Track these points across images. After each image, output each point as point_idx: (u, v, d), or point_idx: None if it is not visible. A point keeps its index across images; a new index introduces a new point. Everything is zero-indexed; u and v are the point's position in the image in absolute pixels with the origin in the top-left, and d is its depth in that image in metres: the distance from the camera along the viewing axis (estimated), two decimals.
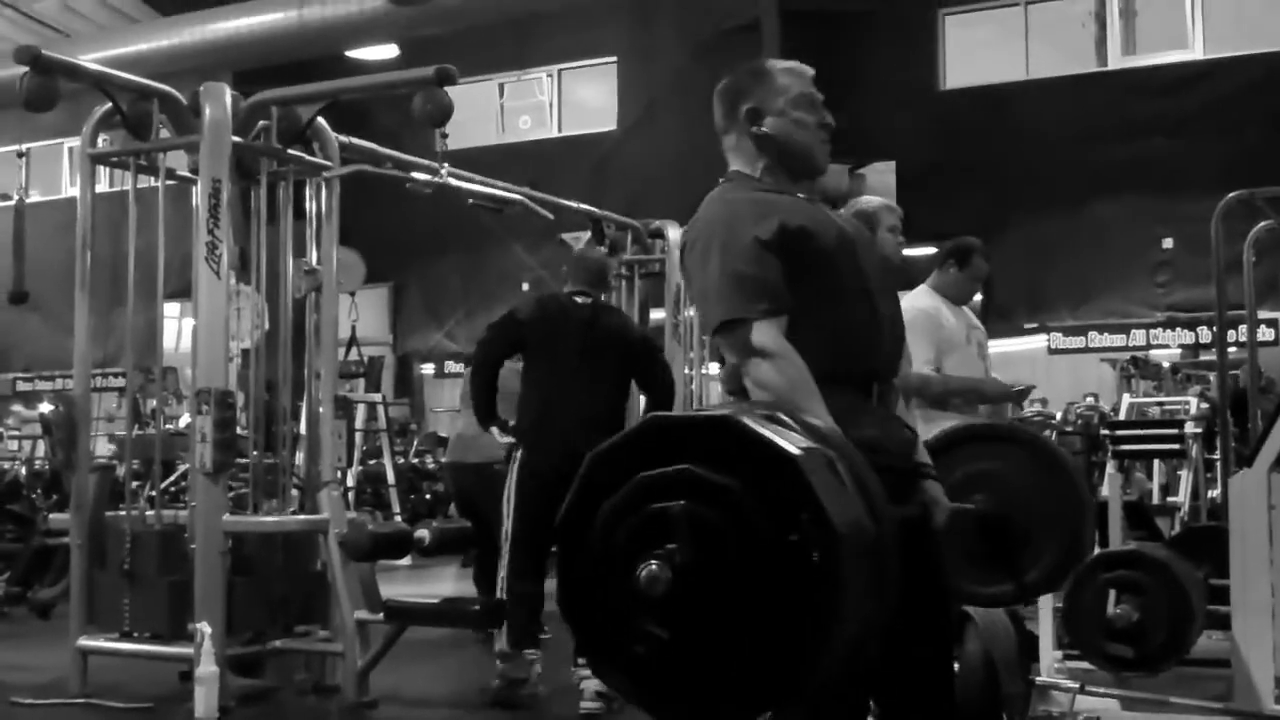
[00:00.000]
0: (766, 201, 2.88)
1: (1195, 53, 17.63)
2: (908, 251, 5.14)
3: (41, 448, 13.28)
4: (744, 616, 2.11)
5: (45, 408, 15.84)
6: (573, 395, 5.99)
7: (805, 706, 2.69)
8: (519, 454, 6.03)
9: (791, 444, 2.16)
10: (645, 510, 2.15)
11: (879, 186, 16.64)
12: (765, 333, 2.74)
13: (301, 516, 6.23)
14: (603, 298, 6.46)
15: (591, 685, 5.81)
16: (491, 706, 5.95)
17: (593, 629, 2.24)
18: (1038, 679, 5.03)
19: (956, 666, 4.41)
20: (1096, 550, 7.78)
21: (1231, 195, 7.72)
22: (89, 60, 6.90)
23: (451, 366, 20.48)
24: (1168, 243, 16.99)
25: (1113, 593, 5.62)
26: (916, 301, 5.67)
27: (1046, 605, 5.33)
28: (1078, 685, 4.88)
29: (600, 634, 2.23)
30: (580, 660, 5.86)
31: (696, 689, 2.16)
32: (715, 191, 3.01)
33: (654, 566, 2.10)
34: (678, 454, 2.17)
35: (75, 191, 6.56)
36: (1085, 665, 5.55)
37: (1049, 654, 5.35)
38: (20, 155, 10.54)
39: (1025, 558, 3.53)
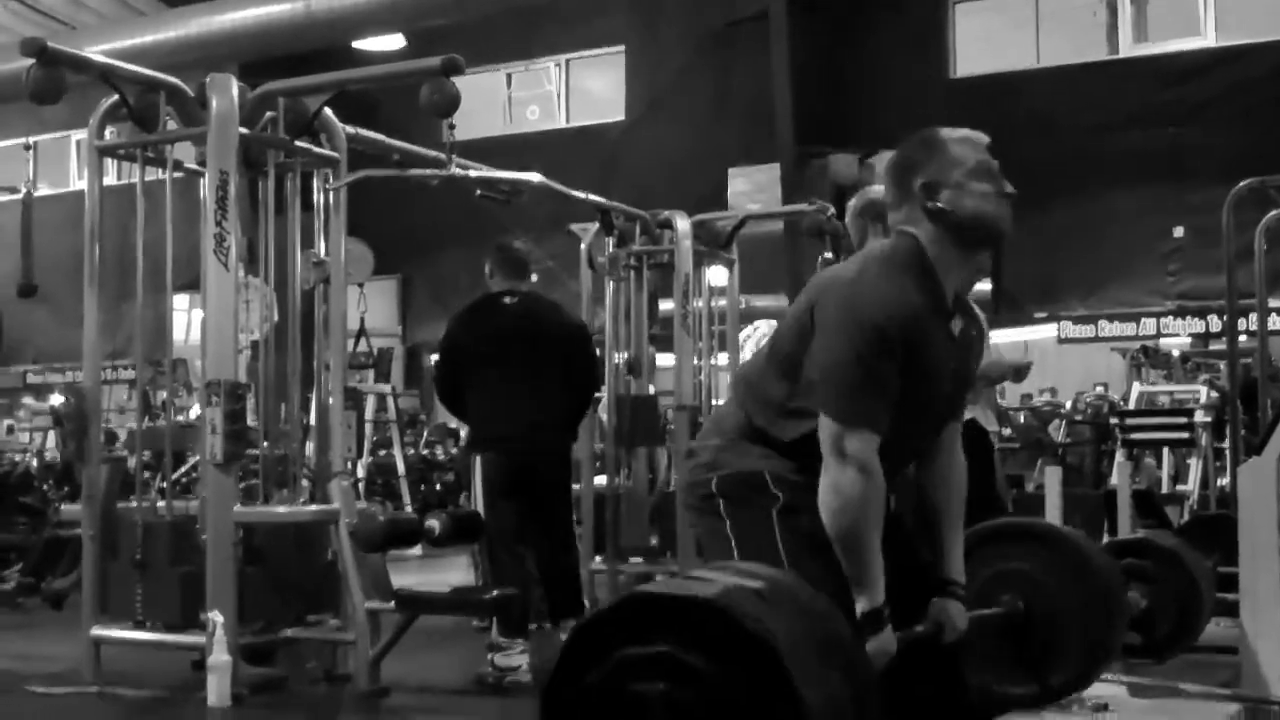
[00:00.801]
0: (908, 315, 2.81)
1: (1207, 40, 17.60)
2: None
3: (52, 440, 13.34)
4: None
5: (56, 400, 15.91)
6: (519, 398, 6.32)
7: None
8: (478, 461, 6.40)
9: (769, 626, 2.15)
10: (625, 691, 2.16)
11: None
12: (866, 445, 2.75)
13: (312, 507, 6.25)
14: (525, 286, 6.67)
15: None
16: (486, 694, 6.02)
17: None
18: None
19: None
20: (1106, 539, 7.80)
21: (1243, 184, 7.72)
22: (95, 52, 6.90)
23: None
24: (1178, 231, 16.97)
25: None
26: None
27: None
28: None
29: None
30: (560, 621, 6.31)
31: None
32: (876, 254, 2.93)
33: None
34: (660, 629, 2.17)
35: (83, 184, 6.57)
36: None
37: None
38: (27, 148, 10.57)
39: (1051, 660, 3.51)
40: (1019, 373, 5.89)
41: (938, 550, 3.04)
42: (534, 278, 6.96)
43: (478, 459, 6.46)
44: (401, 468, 13.26)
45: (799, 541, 2.84)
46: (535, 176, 8.03)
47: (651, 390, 9.41)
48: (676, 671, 2.13)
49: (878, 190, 5.24)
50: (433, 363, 6.74)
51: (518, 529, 6.38)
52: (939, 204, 2.87)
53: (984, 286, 17.50)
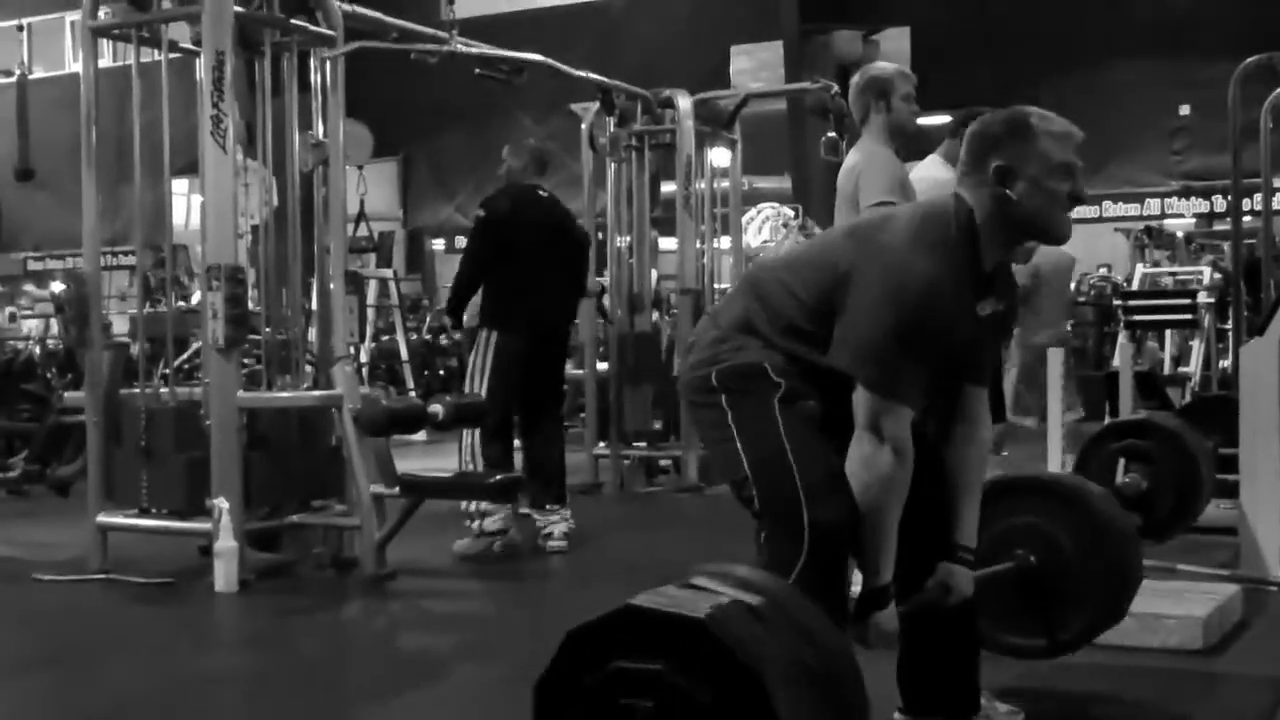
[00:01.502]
0: (945, 285, 2.78)
1: None
2: (922, 120, 5.09)
3: (54, 326, 13.33)
4: None
5: (57, 287, 15.88)
6: (541, 282, 6.66)
7: None
8: (491, 335, 6.60)
9: (759, 652, 2.17)
10: (614, 704, 2.20)
11: (893, 53, 16.45)
12: (901, 424, 2.75)
13: (316, 392, 6.26)
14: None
15: (558, 528, 6.60)
16: (491, 578, 6.15)
17: None
18: None
19: None
20: (1108, 419, 7.82)
21: (1250, 59, 7.62)
22: None
23: (462, 241, 20.43)
24: (1184, 109, 16.81)
25: (1122, 461, 5.66)
26: (930, 171, 5.63)
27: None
28: None
29: None
30: (546, 506, 6.65)
31: None
32: (926, 222, 2.86)
33: None
34: (653, 644, 2.20)
35: (78, 66, 6.49)
36: None
37: None
38: (21, 29, 10.44)
39: (1060, 613, 3.52)
40: (1027, 252, 5.87)
41: (951, 514, 3.04)
42: None
43: (488, 335, 6.62)
44: (404, 352, 13.26)
45: (802, 426, 2.84)
46: (537, 56, 7.94)
47: (654, 275, 9.39)
48: (666, 690, 2.18)
49: (880, 67, 5.17)
50: (471, 242, 6.85)
51: (511, 406, 6.69)
52: (1008, 193, 2.81)
53: None
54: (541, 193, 6.85)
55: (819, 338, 2.85)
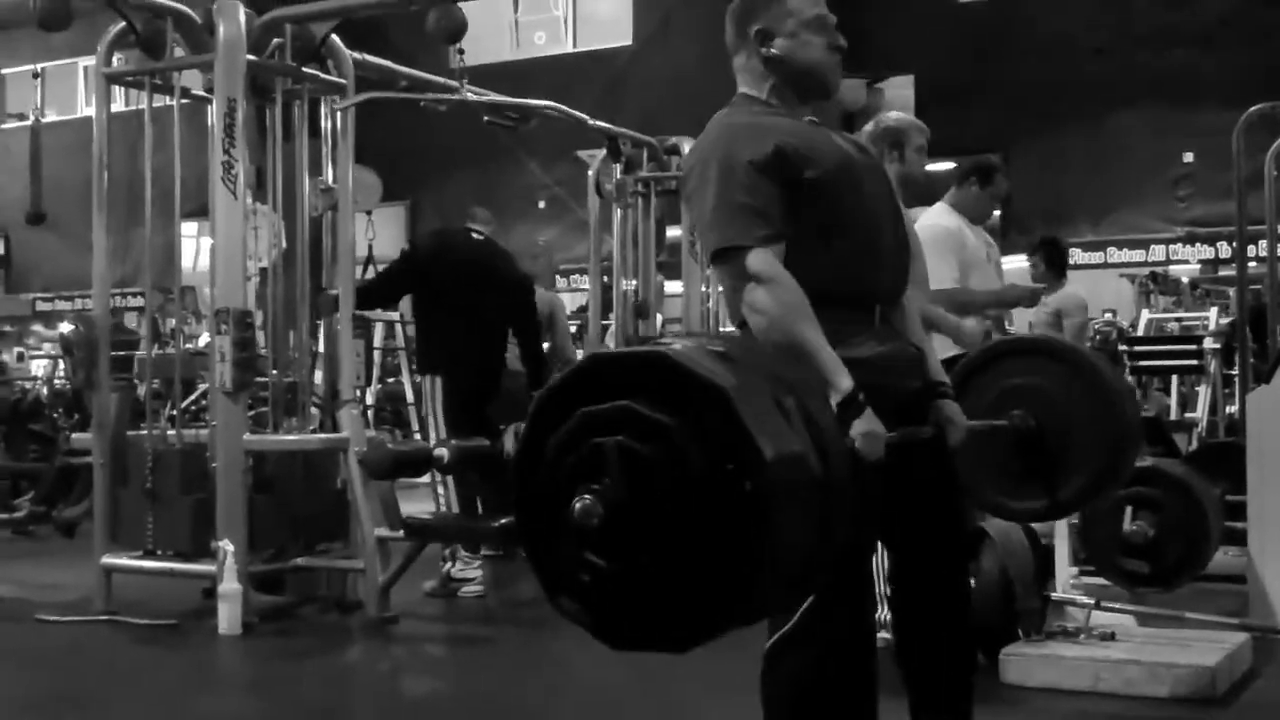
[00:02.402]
0: (764, 126, 2.86)
1: None
2: (926, 168, 5.11)
3: (62, 367, 13.34)
4: (677, 548, 2.15)
5: (65, 328, 15.89)
6: (471, 322, 6.66)
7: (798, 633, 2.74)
8: (435, 381, 6.67)
9: (725, 377, 2.18)
10: (584, 445, 2.21)
11: (897, 100, 16.50)
12: (761, 259, 2.74)
13: (321, 435, 6.27)
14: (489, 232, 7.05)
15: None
16: (496, 622, 6.17)
17: (544, 558, 2.31)
18: (1053, 595, 5.05)
19: (973, 582, 4.45)
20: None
21: (1254, 109, 7.65)
22: None
23: None
24: (1188, 157, 16.85)
25: (1129, 509, 5.64)
26: (939, 219, 5.65)
27: (1063, 521, 5.34)
28: (1093, 601, 4.90)
29: (551, 563, 2.30)
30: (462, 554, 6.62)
31: (640, 616, 2.22)
32: (717, 115, 2.98)
33: (586, 500, 2.17)
34: (621, 390, 2.21)
35: (91, 111, 6.54)
36: (1101, 581, 5.58)
37: (1065, 570, 5.37)
38: (35, 75, 10.52)
39: (1060, 475, 3.50)
40: (1033, 295, 5.89)
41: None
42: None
43: (436, 379, 6.68)
44: (410, 395, 13.25)
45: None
46: (545, 102, 7.99)
47: (660, 319, 9.41)
48: (635, 424, 2.17)
49: (896, 117, 5.19)
50: (391, 265, 7.09)
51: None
52: (772, 50, 2.93)
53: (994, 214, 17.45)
54: (475, 235, 6.92)
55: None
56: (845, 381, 2.67)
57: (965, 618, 3.04)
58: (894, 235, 2.98)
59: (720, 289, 9.35)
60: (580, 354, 8.77)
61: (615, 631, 2.27)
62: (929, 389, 2.99)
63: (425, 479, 6.99)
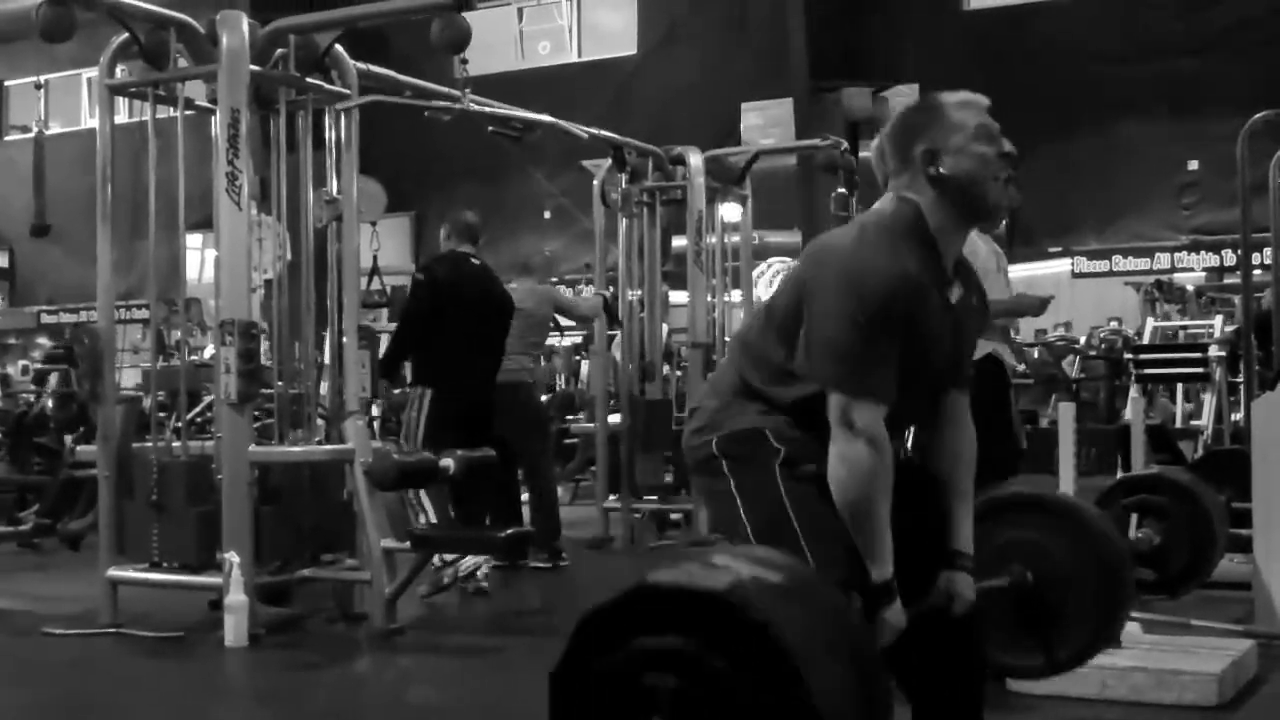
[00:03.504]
0: (908, 284, 2.77)
1: None
2: None
3: (62, 380, 13.31)
4: None
5: (47, 343, 15.88)
6: (472, 346, 7.04)
7: None
8: (426, 393, 6.98)
9: (795, 636, 2.11)
10: (635, 681, 2.13)
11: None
12: (873, 417, 2.72)
13: (327, 446, 6.27)
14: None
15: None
16: (500, 633, 6.17)
17: None
18: None
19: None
20: (1119, 474, 7.80)
21: (1258, 116, 7.64)
22: None
23: None
24: (1193, 164, 16.85)
25: (1135, 516, 5.64)
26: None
27: None
28: None
29: None
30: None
31: None
32: (871, 220, 2.87)
33: None
34: (677, 622, 2.13)
35: (95, 123, 6.55)
36: None
37: None
38: (39, 87, 10.53)
39: (1059, 631, 3.51)
40: (1043, 304, 5.89)
41: (945, 521, 3.03)
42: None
43: (427, 391, 6.96)
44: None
45: (805, 490, 2.82)
46: (547, 117, 7.99)
47: (665, 329, 9.41)
48: (688, 665, 2.10)
49: None
50: (410, 301, 7.36)
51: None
52: (940, 170, 2.83)
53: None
54: (474, 261, 7.28)
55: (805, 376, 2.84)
56: (888, 570, 2.73)
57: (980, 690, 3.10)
58: (947, 379, 2.99)
59: (726, 299, 9.40)
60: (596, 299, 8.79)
61: None
62: (948, 554, 3.00)
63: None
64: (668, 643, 2.12)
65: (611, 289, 9.08)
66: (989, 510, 3.30)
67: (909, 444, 3.18)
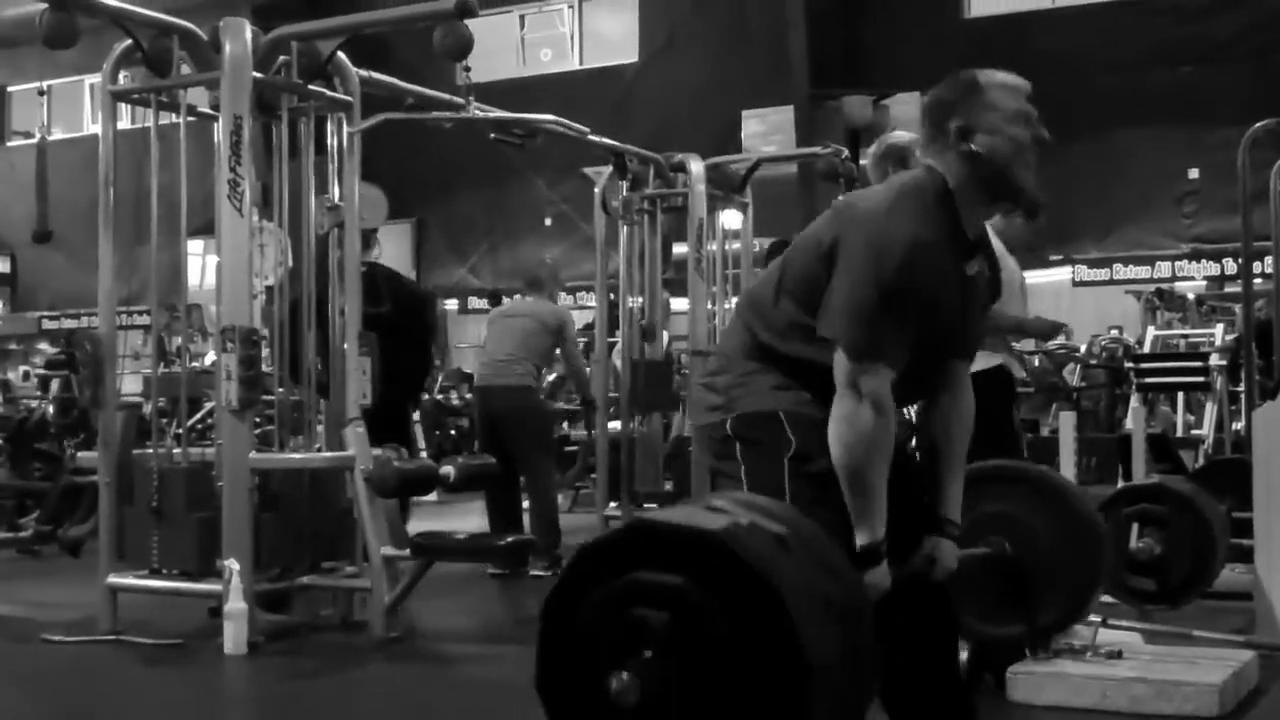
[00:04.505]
0: (933, 253, 2.80)
1: None
2: None
3: (55, 386, 13.32)
4: None
5: (48, 348, 15.86)
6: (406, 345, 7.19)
7: None
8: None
9: (783, 575, 2.14)
10: (626, 614, 2.16)
11: (903, 117, 16.50)
12: (881, 383, 2.75)
13: (328, 453, 6.26)
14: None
15: None
16: (503, 641, 6.07)
17: (565, 710, 2.29)
18: None
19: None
20: (1120, 483, 7.79)
21: (1259, 124, 7.64)
22: None
23: (475, 302, 20.49)
24: (1194, 173, 16.86)
25: (1135, 526, 5.64)
26: None
27: None
28: (1100, 619, 4.88)
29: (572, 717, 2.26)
30: None
31: None
32: (899, 187, 2.91)
33: (624, 678, 2.13)
34: (670, 560, 2.16)
35: (97, 129, 6.55)
36: (1107, 599, 5.57)
37: None
38: (41, 93, 10.54)
39: (1036, 601, 3.54)
40: (1054, 329, 5.92)
41: (935, 488, 3.05)
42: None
43: None
44: (416, 413, 13.24)
45: (808, 491, 2.83)
46: (550, 116, 7.99)
47: (666, 336, 9.40)
48: (685, 604, 2.13)
49: (899, 135, 5.20)
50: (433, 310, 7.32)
51: None
52: (973, 147, 2.85)
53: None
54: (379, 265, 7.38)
55: (815, 334, 2.86)
56: (880, 532, 2.75)
57: (955, 652, 3.10)
58: (953, 348, 3.02)
59: (726, 306, 9.40)
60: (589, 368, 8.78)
61: None
62: (935, 520, 3.02)
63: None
64: (663, 579, 2.14)
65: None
66: (969, 482, 3.33)
67: (912, 412, 3.19)
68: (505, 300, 12.06)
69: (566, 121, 8.11)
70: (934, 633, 3.05)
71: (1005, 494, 3.55)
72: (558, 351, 8.38)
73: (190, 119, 6.27)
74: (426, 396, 14.71)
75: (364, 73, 6.56)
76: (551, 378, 12.09)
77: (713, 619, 2.11)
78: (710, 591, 2.12)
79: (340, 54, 6.34)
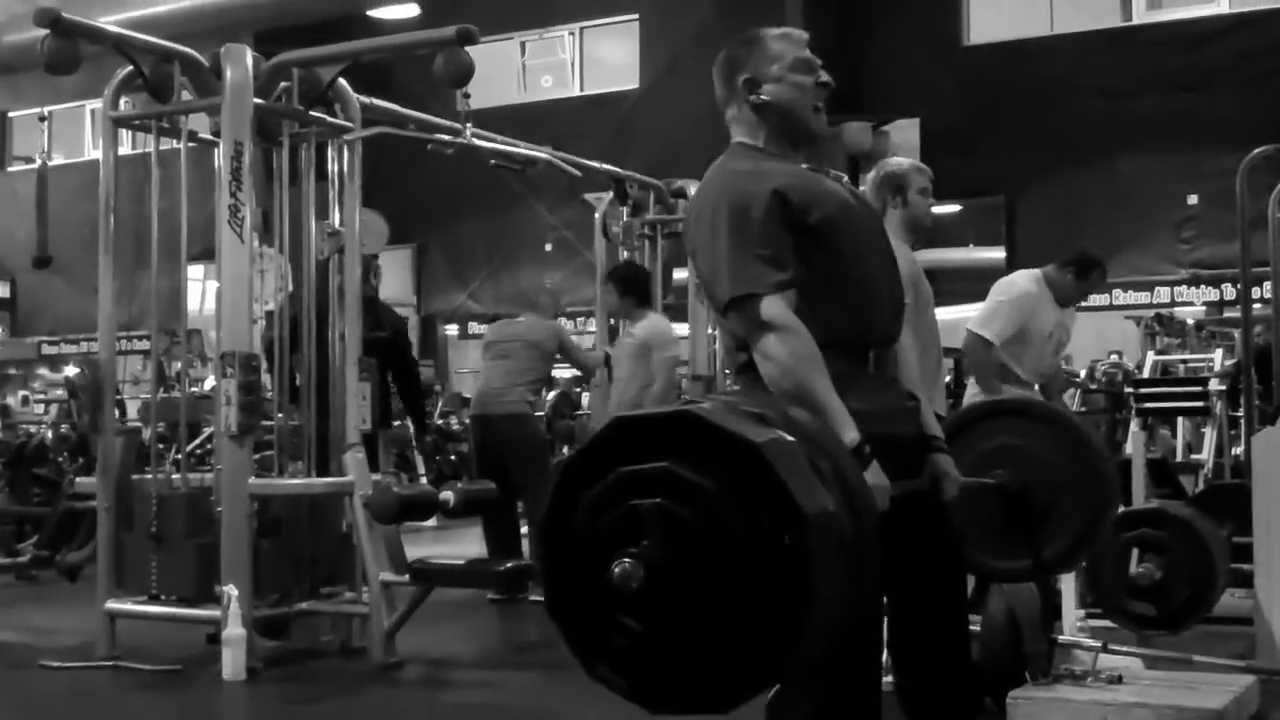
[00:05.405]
0: (766, 171, 2.87)
1: (1221, 7, 17.44)
2: (932, 210, 5.13)
3: (56, 411, 13.34)
4: (718, 607, 2.15)
5: (70, 371, 15.93)
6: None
7: (803, 685, 2.72)
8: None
9: (758, 435, 2.18)
10: (620, 507, 2.19)
11: (903, 143, 16.55)
12: (774, 306, 2.73)
13: (327, 479, 6.26)
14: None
15: None
16: (501, 667, 6.04)
17: (576, 623, 2.28)
18: (1060, 637, 5.03)
19: (980, 625, 4.43)
20: (1121, 509, 7.78)
21: (1257, 151, 7.67)
22: (109, 22, 6.89)
23: (475, 328, 20.48)
24: (1192, 199, 16.87)
25: (1135, 551, 5.63)
26: (1024, 281, 5.90)
27: None
28: (1100, 644, 4.88)
29: (584, 628, 2.27)
30: None
31: (679, 678, 2.20)
32: (717, 163, 2.99)
33: (626, 564, 2.15)
34: (653, 450, 2.20)
35: (98, 154, 6.57)
36: (1108, 624, 5.57)
37: (1072, 612, 5.35)
38: (42, 119, 10.56)
39: (1044, 534, 3.52)
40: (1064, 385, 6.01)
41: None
42: None
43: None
44: (414, 439, 13.21)
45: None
46: (546, 154, 8.00)
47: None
48: (673, 486, 2.16)
49: (896, 162, 5.22)
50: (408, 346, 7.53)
51: None
52: (763, 97, 2.96)
53: (998, 254, 17.45)
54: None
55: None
56: (852, 434, 2.67)
57: (967, 661, 3.03)
58: (889, 280, 3.00)
59: (719, 336, 9.41)
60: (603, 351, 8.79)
61: (654, 695, 2.24)
62: (924, 441, 3.00)
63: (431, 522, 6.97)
64: (654, 466, 2.18)
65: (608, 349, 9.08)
66: (977, 417, 3.33)
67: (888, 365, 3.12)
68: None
69: (562, 157, 8.13)
70: (942, 580, 2.99)
71: (1011, 429, 3.54)
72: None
73: (191, 144, 6.29)
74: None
75: (365, 99, 6.58)
76: (551, 396, 12.10)
77: (701, 495, 2.15)
78: (695, 469, 2.16)
79: (341, 80, 6.36)
